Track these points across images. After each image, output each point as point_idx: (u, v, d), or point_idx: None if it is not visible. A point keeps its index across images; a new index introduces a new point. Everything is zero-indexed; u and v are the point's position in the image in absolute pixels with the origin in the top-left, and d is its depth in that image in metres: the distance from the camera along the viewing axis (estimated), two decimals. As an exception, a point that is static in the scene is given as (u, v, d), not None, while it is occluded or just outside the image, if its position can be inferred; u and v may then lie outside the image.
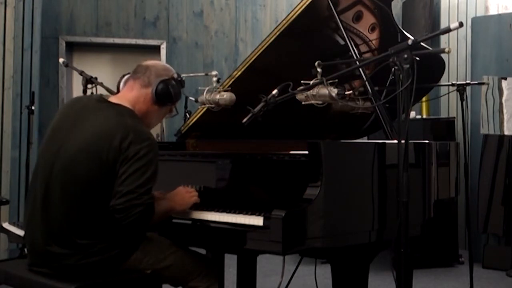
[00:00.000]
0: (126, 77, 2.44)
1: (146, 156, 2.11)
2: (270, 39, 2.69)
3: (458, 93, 3.78)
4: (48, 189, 2.17)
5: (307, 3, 2.60)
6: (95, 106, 2.27)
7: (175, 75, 2.36)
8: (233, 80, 2.78)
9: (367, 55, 3.00)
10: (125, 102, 2.29)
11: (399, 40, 2.84)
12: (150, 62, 2.38)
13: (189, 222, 2.34)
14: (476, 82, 4.09)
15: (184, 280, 2.34)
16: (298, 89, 2.26)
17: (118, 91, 2.46)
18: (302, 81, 2.29)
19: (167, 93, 2.31)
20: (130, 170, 2.08)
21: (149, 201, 2.10)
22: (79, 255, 2.12)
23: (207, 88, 2.79)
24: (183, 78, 2.42)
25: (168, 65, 2.43)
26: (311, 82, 2.29)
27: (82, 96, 2.81)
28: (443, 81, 3.76)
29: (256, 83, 2.74)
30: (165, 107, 2.37)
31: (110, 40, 6.22)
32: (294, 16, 2.63)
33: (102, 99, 2.31)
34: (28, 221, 2.26)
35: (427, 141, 2.50)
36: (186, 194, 2.37)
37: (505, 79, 4.51)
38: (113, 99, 2.32)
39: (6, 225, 2.99)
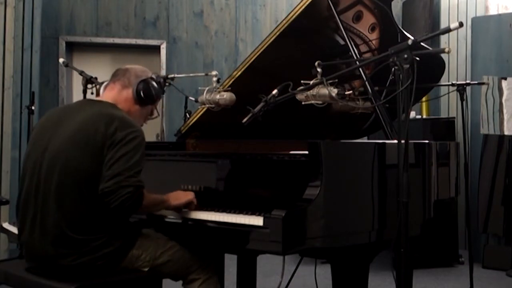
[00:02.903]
0: (105, 83, 2.50)
1: (133, 141, 2.15)
2: (270, 39, 2.69)
3: (458, 93, 3.77)
4: (39, 188, 2.19)
5: (307, 3, 2.60)
6: (78, 105, 2.38)
7: (154, 76, 2.44)
8: (233, 80, 2.78)
9: (367, 55, 3.00)
10: (107, 100, 2.36)
11: (399, 40, 2.84)
12: (128, 66, 2.47)
13: (189, 222, 2.34)
14: (476, 82, 4.09)
15: (183, 274, 2.36)
16: (298, 89, 2.26)
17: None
18: (302, 81, 2.29)
19: (148, 93, 2.39)
20: (117, 155, 2.11)
21: (138, 183, 2.10)
22: (74, 255, 2.12)
23: (207, 88, 2.79)
24: (161, 80, 2.49)
25: (145, 68, 2.50)
26: (311, 82, 2.29)
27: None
28: (443, 81, 3.76)
29: (256, 83, 2.74)
30: (146, 107, 2.44)
31: (110, 40, 6.22)
32: (294, 16, 2.63)
33: (84, 100, 2.45)
34: (20, 226, 2.27)
35: (427, 141, 2.50)
36: (182, 192, 2.39)
37: (505, 79, 4.51)
38: (95, 99, 2.43)
39: (6, 225, 2.98)
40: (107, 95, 2.39)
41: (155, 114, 2.53)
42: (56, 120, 2.29)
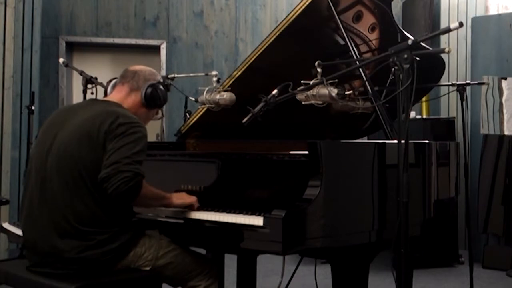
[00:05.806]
0: (113, 81, 2.51)
1: (134, 134, 2.17)
2: (270, 39, 2.69)
3: (458, 93, 3.77)
4: (45, 181, 2.21)
5: (307, 3, 2.60)
6: (84, 104, 2.41)
7: (162, 80, 2.46)
8: (233, 80, 2.78)
9: (367, 55, 3.00)
10: (114, 100, 2.38)
11: (399, 40, 2.84)
12: (137, 67, 2.47)
13: (189, 222, 2.34)
14: (476, 82, 4.09)
15: (183, 279, 2.35)
16: (298, 89, 2.26)
17: (106, 95, 2.54)
18: (302, 81, 2.29)
19: (156, 97, 2.41)
20: (118, 145, 2.13)
21: (136, 170, 2.11)
22: (80, 247, 2.13)
23: (207, 88, 2.79)
24: (169, 83, 2.54)
25: (154, 70, 2.52)
26: (311, 82, 2.29)
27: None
28: (443, 81, 3.76)
29: (256, 83, 2.75)
30: (152, 110, 2.48)
31: (110, 40, 6.22)
32: (294, 16, 2.63)
33: (90, 99, 2.47)
34: (25, 221, 2.27)
35: (427, 141, 2.50)
36: (186, 194, 2.40)
37: (505, 79, 4.51)
38: (101, 98, 2.45)
39: (6, 225, 2.99)
40: (115, 96, 2.41)
41: (159, 115, 2.57)
42: (62, 119, 2.31)
